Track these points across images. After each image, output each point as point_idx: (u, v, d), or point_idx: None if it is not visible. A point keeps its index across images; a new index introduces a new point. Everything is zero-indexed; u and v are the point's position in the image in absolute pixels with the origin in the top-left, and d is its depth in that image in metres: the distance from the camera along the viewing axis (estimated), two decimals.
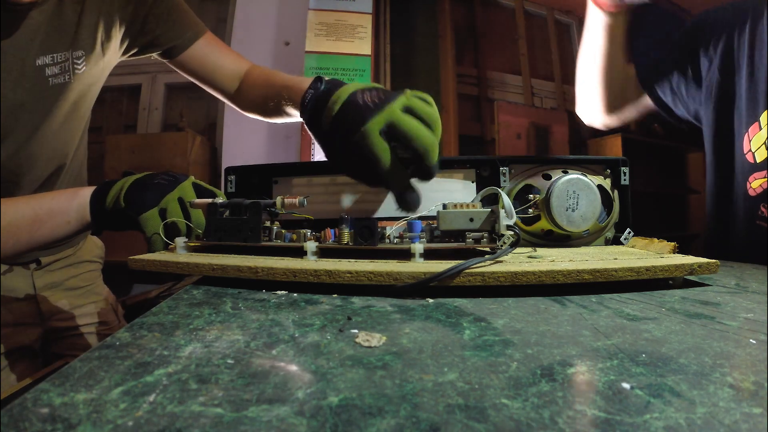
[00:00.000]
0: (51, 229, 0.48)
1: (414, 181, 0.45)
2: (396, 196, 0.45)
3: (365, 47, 1.82)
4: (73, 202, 0.48)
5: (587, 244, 0.53)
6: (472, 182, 0.53)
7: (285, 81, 0.59)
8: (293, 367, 0.20)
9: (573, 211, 0.48)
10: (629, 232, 0.52)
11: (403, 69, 2.02)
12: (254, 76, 0.68)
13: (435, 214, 0.40)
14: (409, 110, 0.42)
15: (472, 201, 0.44)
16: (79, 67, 0.60)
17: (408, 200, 0.44)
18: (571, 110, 2.48)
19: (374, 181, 0.45)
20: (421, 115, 0.42)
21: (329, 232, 0.42)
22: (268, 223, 0.42)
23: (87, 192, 0.49)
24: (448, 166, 0.53)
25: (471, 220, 0.38)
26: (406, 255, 0.38)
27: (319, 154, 1.72)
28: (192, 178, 0.50)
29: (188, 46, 0.67)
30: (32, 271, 0.69)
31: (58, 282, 0.73)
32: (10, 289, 0.65)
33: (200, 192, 0.49)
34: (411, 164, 0.43)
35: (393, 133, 0.41)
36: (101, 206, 0.47)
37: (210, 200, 0.42)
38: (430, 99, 0.44)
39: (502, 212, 0.37)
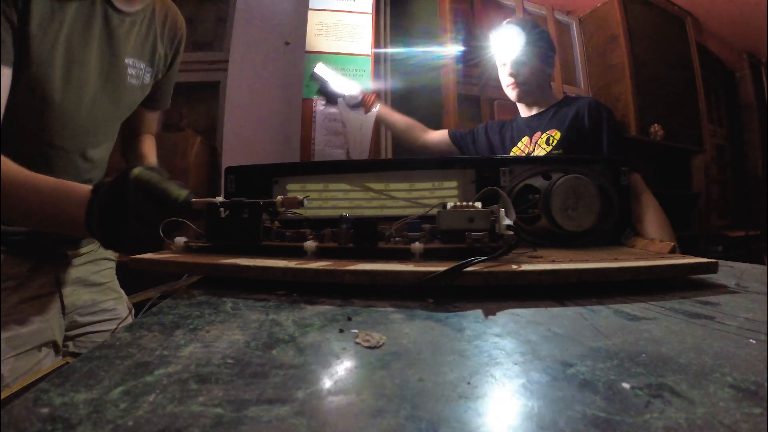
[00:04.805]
0: (54, 224, 0.50)
1: None
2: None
3: (365, 47, 1.82)
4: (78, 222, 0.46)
5: (588, 244, 0.53)
6: (472, 182, 0.53)
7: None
8: (293, 367, 0.20)
9: (573, 211, 0.48)
10: (629, 232, 0.52)
11: (403, 69, 2.02)
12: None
13: (435, 214, 0.40)
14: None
15: (472, 201, 0.45)
16: (145, 77, 0.72)
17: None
18: None
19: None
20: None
21: (329, 232, 0.42)
22: (268, 223, 0.42)
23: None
24: (448, 165, 0.53)
25: (471, 220, 0.38)
26: (406, 255, 0.38)
27: (319, 154, 1.71)
28: (137, 170, 0.46)
29: (153, 110, 0.84)
30: (57, 266, 0.69)
31: (83, 278, 0.73)
32: (37, 286, 0.65)
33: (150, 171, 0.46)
34: None
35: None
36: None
37: (210, 199, 0.42)
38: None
39: (502, 212, 0.37)
